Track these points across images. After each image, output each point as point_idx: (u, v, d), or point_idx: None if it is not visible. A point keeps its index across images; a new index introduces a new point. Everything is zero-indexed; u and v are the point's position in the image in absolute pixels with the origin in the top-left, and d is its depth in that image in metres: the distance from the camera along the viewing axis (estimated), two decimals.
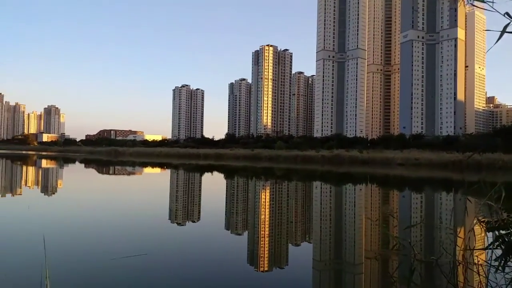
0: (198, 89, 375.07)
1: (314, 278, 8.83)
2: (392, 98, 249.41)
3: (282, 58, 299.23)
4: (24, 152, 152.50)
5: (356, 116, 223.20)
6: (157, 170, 57.42)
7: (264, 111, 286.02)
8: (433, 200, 25.48)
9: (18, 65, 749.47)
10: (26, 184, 29.25)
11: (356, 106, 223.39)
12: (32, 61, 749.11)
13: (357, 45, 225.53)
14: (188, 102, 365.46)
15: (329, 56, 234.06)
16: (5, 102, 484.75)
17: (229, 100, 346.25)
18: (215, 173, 52.34)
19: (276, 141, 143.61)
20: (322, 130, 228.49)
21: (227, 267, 9.06)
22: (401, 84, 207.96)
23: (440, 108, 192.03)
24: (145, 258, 9.24)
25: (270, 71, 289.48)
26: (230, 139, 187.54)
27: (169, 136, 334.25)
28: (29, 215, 15.25)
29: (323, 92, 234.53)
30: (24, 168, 52.81)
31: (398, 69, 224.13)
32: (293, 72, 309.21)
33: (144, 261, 9.01)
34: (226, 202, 22.19)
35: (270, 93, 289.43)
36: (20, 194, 22.69)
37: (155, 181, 40.60)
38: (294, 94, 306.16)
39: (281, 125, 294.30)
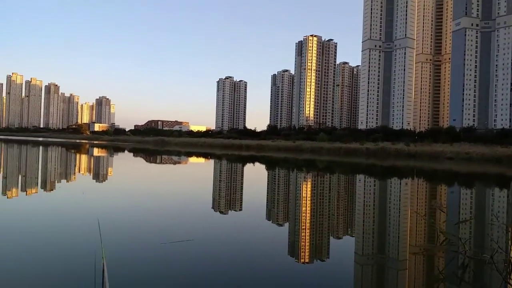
0: (241, 80, 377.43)
1: (356, 272, 8.72)
2: (442, 89, 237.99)
3: (326, 49, 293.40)
4: (77, 141, 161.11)
5: (403, 107, 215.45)
6: (201, 159, 58.74)
7: (307, 103, 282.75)
8: (484, 196, 24.25)
9: (72, 58, 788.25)
10: (80, 171, 31.03)
11: (403, 97, 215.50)
12: (84, 55, 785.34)
13: (406, 34, 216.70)
14: (232, 93, 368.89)
15: (375, 46, 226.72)
16: (61, 93, 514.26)
17: (271, 91, 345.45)
18: (257, 164, 52.73)
19: (319, 133, 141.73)
20: (366, 122, 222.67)
21: (268, 257, 9.19)
22: (452, 74, 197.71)
23: (495, 100, 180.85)
24: (191, 243, 9.62)
25: (314, 61, 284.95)
26: (272, 131, 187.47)
27: (213, 127, 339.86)
28: (84, 200, 16.23)
29: (368, 83, 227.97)
30: (78, 156, 55.93)
31: (449, 58, 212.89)
32: (337, 62, 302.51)
33: (190, 246, 9.40)
34: (267, 192, 22.37)
35: (313, 84, 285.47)
36: (75, 181, 24.14)
37: (200, 170, 41.60)
38: (338, 85, 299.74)
39: (324, 116, 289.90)
